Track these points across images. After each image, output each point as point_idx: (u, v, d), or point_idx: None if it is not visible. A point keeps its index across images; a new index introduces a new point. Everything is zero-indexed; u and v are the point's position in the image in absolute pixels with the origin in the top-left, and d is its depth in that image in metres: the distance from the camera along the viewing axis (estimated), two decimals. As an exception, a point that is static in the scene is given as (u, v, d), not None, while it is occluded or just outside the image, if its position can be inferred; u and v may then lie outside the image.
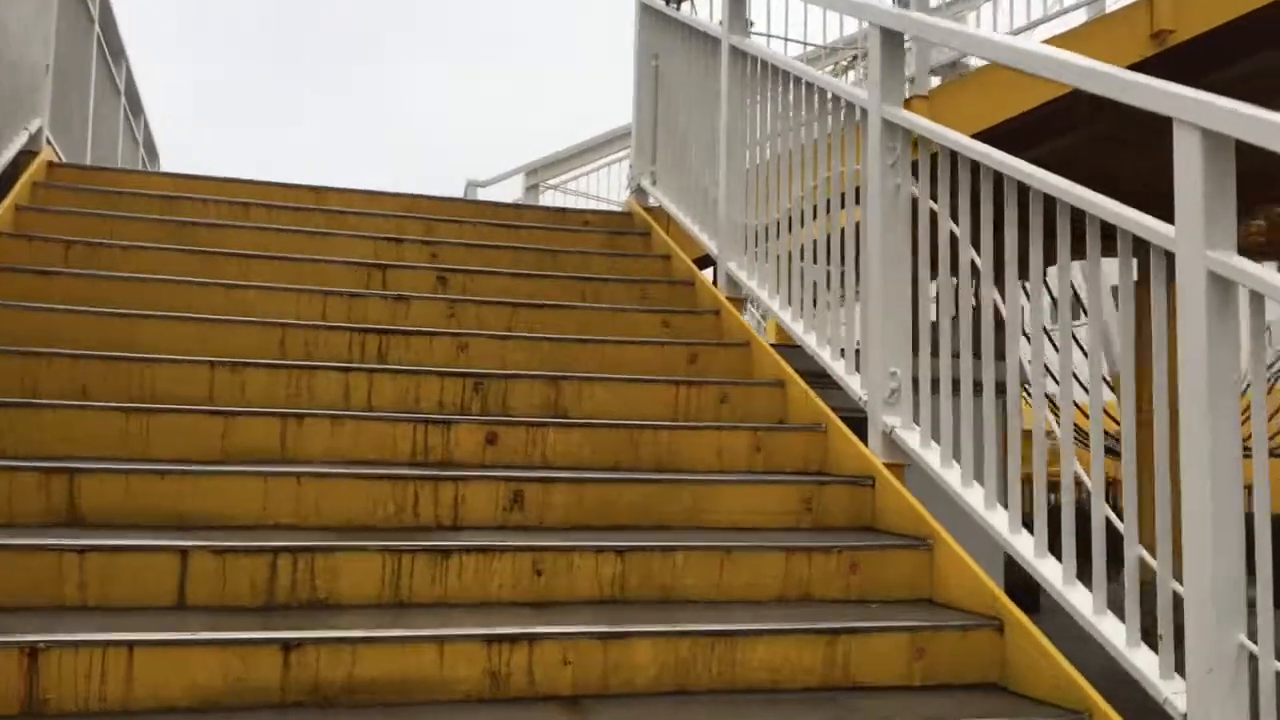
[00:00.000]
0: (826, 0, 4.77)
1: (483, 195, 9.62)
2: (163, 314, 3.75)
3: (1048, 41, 5.73)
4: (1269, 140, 2.13)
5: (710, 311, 4.59)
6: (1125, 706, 2.46)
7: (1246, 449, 2.25)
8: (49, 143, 5.22)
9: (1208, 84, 2.43)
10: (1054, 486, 2.80)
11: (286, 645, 2.35)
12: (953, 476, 3.10)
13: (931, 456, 3.19)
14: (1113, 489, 8.10)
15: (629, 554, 2.87)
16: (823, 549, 3.02)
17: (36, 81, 5.09)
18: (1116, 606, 2.51)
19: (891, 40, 3.50)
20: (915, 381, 3.33)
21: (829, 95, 3.91)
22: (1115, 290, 2.56)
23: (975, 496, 3.00)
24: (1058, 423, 2.77)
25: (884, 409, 3.41)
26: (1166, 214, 2.35)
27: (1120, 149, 6.03)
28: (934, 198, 3.25)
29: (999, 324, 2.96)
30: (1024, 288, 3.19)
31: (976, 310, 3.01)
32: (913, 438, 3.31)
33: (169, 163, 10.70)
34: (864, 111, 3.60)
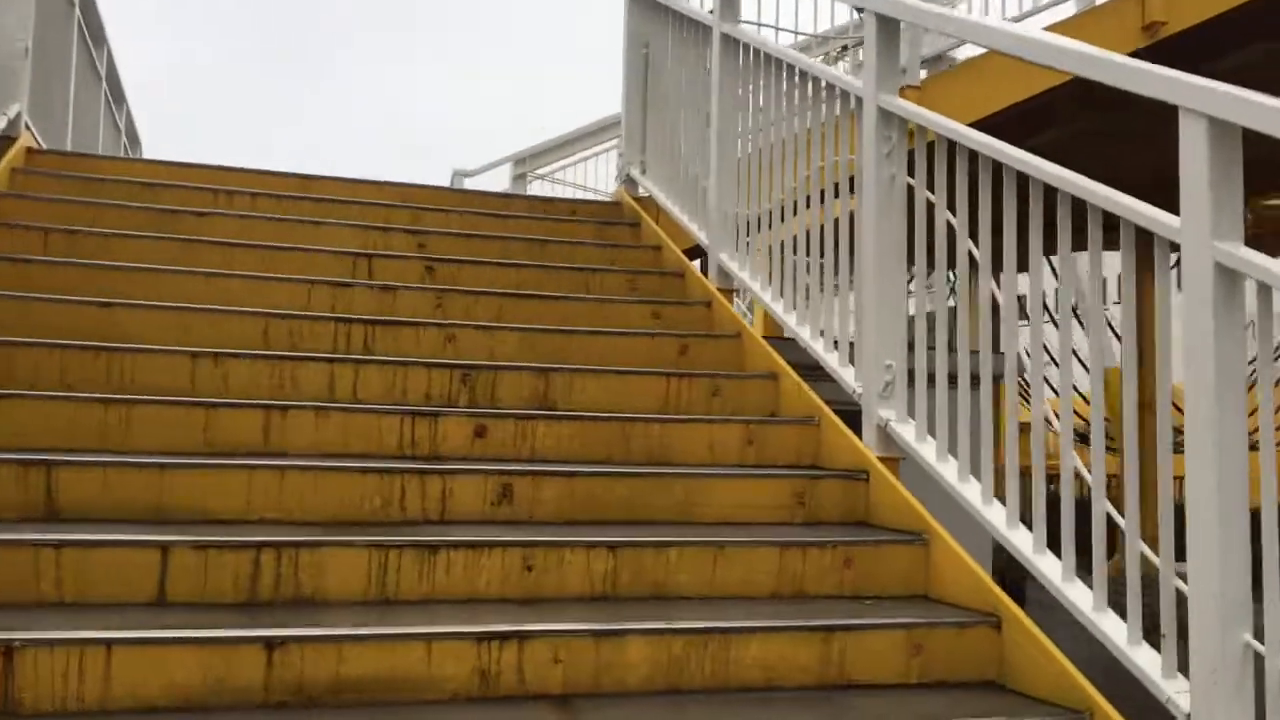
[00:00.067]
0: (819, -12, 4.71)
1: (470, 185, 9.54)
2: (144, 303, 3.67)
3: (1039, 32, 5.69)
4: (1278, 128, 2.08)
5: (701, 303, 4.54)
6: (1116, 699, 2.43)
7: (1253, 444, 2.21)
8: (28, 128, 5.13)
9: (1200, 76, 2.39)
10: (1050, 480, 2.76)
11: (270, 643, 2.29)
12: (949, 471, 3.05)
13: (927, 450, 3.14)
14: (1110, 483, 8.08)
15: (621, 549, 2.81)
16: (817, 544, 2.97)
17: (14, 65, 4.99)
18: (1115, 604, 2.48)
19: (887, 27, 3.45)
20: (911, 374, 3.28)
21: (823, 83, 3.86)
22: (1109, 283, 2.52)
23: (972, 491, 2.96)
24: (1056, 417, 2.72)
25: (878, 402, 3.36)
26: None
27: (1107, 143, 6.00)
28: (930, 188, 3.20)
29: (995, 315, 2.91)
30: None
31: (973, 302, 2.97)
32: (908, 431, 3.26)
33: (153, 154, 10.59)
34: (859, 100, 3.54)
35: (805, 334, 3.88)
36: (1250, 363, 2.27)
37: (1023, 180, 2.78)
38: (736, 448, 3.54)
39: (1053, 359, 3.79)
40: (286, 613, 2.51)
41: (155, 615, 2.43)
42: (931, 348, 3.17)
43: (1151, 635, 2.40)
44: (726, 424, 3.60)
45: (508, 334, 3.99)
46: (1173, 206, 2.35)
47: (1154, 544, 2.36)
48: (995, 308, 3.09)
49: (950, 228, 3.10)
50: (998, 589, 2.77)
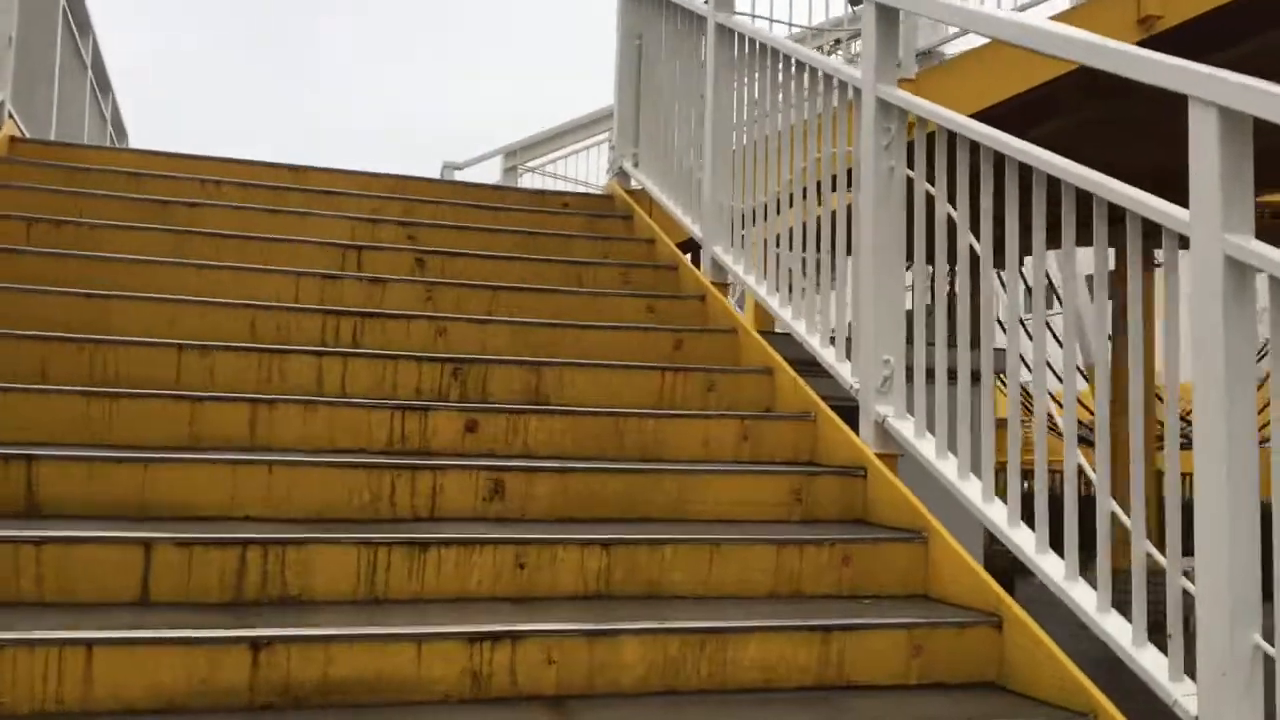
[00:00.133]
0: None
1: (459, 178, 9.46)
2: (129, 294, 3.61)
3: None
4: (1292, 118, 2.04)
5: (695, 297, 4.48)
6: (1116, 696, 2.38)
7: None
8: (11, 117, 5.05)
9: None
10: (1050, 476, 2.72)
11: (256, 644, 2.23)
12: (949, 468, 3.00)
13: (926, 447, 3.09)
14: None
15: (615, 547, 2.76)
16: (815, 542, 2.92)
17: (-2, 53, 4.92)
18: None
19: (887, 17, 3.39)
20: (910, 370, 3.23)
21: (820, 74, 3.80)
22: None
23: (972, 489, 2.91)
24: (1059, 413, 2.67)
25: (876, 398, 3.31)
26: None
27: (1106, 136, 5.95)
28: (930, 180, 3.15)
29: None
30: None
31: (974, 297, 2.92)
32: (906, 427, 3.21)
33: (139, 142, 10.48)
34: (857, 91, 3.49)
35: (801, 329, 3.82)
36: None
37: (1025, 173, 2.73)
38: (732, 443, 3.49)
39: (1053, 370, 3.73)
40: (273, 612, 2.45)
41: (138, 614, 2.37)
42: (931, 343, 3.13)
43: (1155, 635, 2.36)
44: (721, 419, 3.55)
45: (499, 327, 3.93)
46: (1174, 199, 2.31)
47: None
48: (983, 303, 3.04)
49: (950, 221, 3.05)
50: (999, 588, 2.72)
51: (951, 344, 3.06)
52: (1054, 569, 2.59)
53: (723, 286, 4.56)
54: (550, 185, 9.34)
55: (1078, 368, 2.97)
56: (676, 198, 5.06)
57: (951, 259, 3.06)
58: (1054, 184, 2.63)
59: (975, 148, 2.92)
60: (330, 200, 4.86)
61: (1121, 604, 2.46)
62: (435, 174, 8.92)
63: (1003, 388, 7.46)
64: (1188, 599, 2.24)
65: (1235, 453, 2.12)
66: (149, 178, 4.72)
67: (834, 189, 3.68)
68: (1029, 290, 2.97)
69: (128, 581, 2.45)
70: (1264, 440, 2.15)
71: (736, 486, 3.24)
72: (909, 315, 3.40)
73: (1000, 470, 2.89)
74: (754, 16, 5.86)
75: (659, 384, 3.75)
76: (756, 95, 4.30)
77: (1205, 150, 2.18)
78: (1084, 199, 2.53)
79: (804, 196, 3.85)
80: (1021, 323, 3.39)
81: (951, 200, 3.02)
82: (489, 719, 2.26)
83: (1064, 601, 2.52)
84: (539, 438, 3.33)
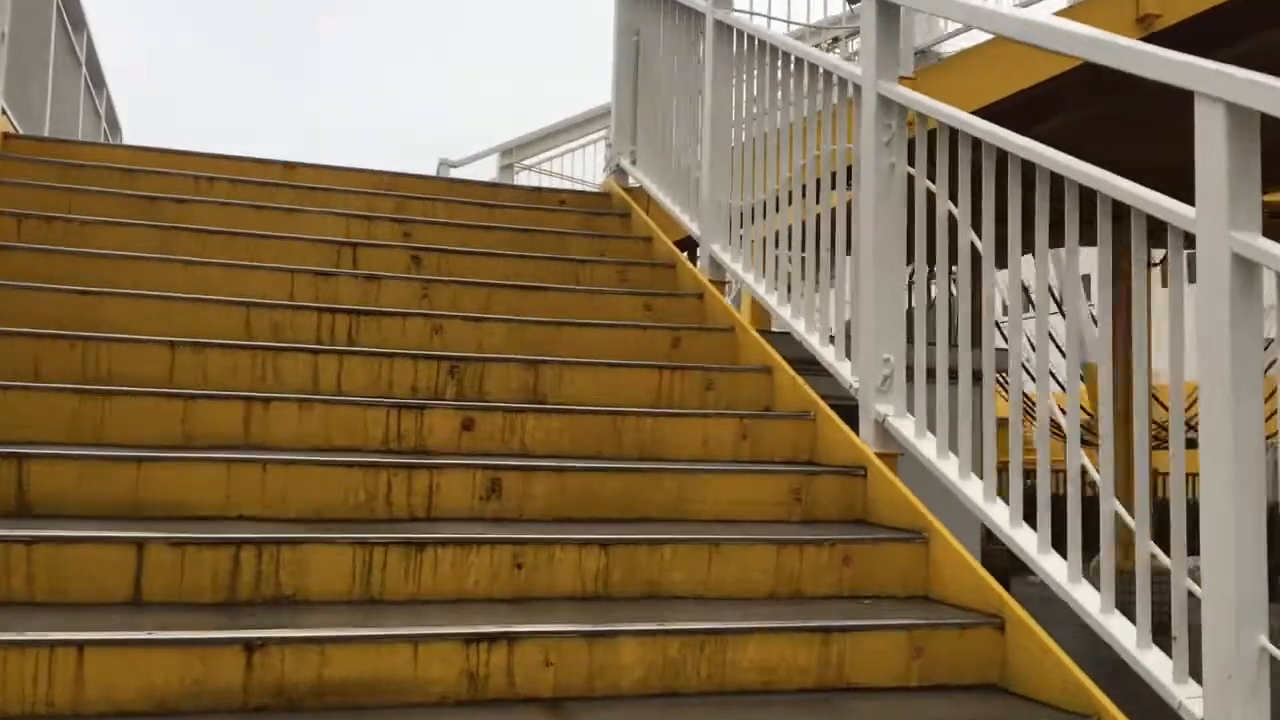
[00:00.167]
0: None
1: (455, 176, 9.43)
2: (121, 291, 3.57)
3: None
4: (1301, 114, 2.01)
5: (693, 295, 4.45)
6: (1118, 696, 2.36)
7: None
8: (4, 113, 5.01)
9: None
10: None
11: (250, 645, 2.19)
12: (950, 467, 2.97)
13: (927, 446, 3.07)
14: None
15: (613, 547, 2.73)
16: (815, 542, 2.89)
17: (-10, 49, 4.88)
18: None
19: (887, 13, 3.37)
20: (910, 369, 3.20)
21: (820, 70, 3.77)
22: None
23: (974, 488, 2.88)
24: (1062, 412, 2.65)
25: (876, 396, 3.28)
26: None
27: (1107, 133, 5.93)
28: (931, 177, 3.12)
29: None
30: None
31: (975, 295, 2.89)
32: (907, 427, 3.18)
33: (134, 140, 10.43)
34: (857, 88, 3.46)
35: (800, 327, 3.79)
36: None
37: (1027, 171, 2.70)
38: (731, 443, 3.46)
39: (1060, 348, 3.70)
40: (267, 613, 2.42)
41: (130, 615, 2.34)
42: (932, 343, 3.10)
43: (1158, 636, 2.33)
44: (720, 418, 3.52)
45: (496, 325, 3.90)
46: (1175, 196, 2.29)
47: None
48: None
49: (950, 219, 3.02)
50: (1001, 589, 2.70)
51: (953, 343, 3.03)
52: (1056, 570, 2.57)
53: (721, 285, 4.53)
54: (546, 183, 9.31)
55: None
56: (674, 195, 5.03)
57: (953, 257, 3.03)
58: (1057, 181, 2.60)
59: (977, 145, 2.90)
60: (324, 197, 4.82)
61: (1124, 605, 2.44)
62: (432, 173, 8.88)
63: (1004, 392, 7.44)
64: (1192, 600, 2.22)
65: (1241, 452, 2.09)
66: (142, 174, 4.68)
67: (833, 187, 3.65)
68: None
69: (120, 581, 2.42)
70: (1271, 435, 2.13)
71: (736, 486, 3.21)
72: (909, 314, 3.38)
73: (1001, 470, 2.86)
74: (752, 14, 5.83)
75: (657, 382, 3.73)
76: (755, 92, 4.26)
77: (1212, 146, 2.16)
78: (1087, 196, 2.51)
79: (803, 195, 3.82)
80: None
81: (953, 198, 2.99)
82: (486, 721, 2.24)
83: (1067, 603, 2.50)
84: (536, 436, 3.30)
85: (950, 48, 7.26)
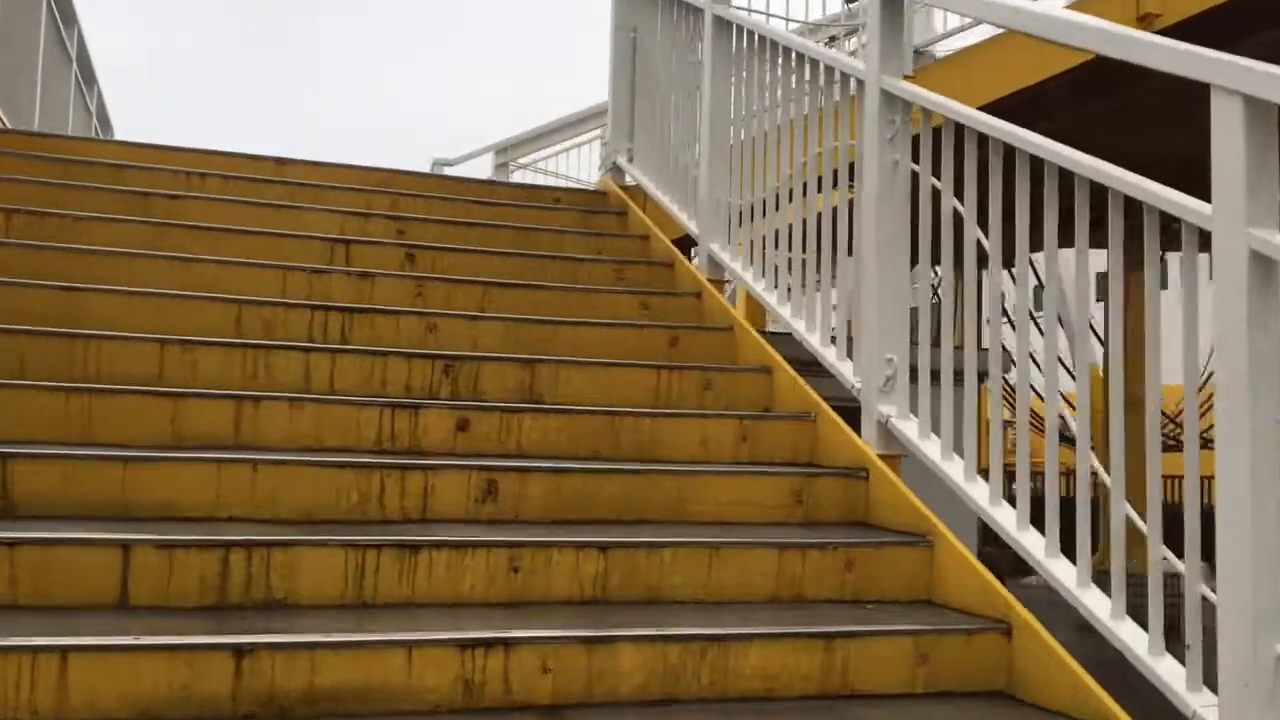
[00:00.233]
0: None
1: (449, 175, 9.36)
2: (110, 288, 3.50)
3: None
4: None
5: (691, 294, 4.40)
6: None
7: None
8: (-8, 107, 4.94)
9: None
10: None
11: (239, 650, 2.13)
12: (954, 470, 2.92)
13: (931, 448, 3.01)
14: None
15: (612, 550, 2.67)
16: (817, 546, 2.84)
17: (-21, 42, 4.81)
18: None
19: (892, 7, 3.31)
20: (914, 370, 3.15)
21: (821, 66, 3.72)
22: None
23: (979, 491, 2.82)
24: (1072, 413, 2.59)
25: (879, 397, 3.22)
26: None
27: (1119, 125, 5.88)
28: (935, 175, 3.07)
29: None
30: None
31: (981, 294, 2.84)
32: (910, 428, 3.12)
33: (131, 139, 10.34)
34: (860, 83, 3.41)
35: (800, 326, 3.74)
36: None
37: (1035, 168, 2.65)
38: (730, 444, 3.40)
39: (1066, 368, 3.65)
40: (257, 617, 2.36)
41: (116, 619, 2.28)
42: (936, 344, 3.05)
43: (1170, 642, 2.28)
44: (720, 419, 3.46)
45: (491, 324, 3.84)
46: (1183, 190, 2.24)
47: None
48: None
49: (955, 217, 2.97)
50: (1007, 594, 2.65)
51: (958, 345, 2.98)
52: (1065, 574, 2.52)
53: (719, 284, 4.47)
54: (541, 182, 9.24)
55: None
56: (672, 193, 4.97)
57: (957, 256, 2.98)
58: (1066, 178, 2.55)
59: (983, 141, 2.84)
60: (317, 193, 4.76)
61: (1129, 604, 2.38)
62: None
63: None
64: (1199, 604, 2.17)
65: (1259, 452, 2.04)
66: (132, 170, 4.61)
67: (835, 185, 3.60)
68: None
69: (106, 585, 2.36)
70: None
71: (736, 488, 3.15)
72: (913, 313, 3.32)
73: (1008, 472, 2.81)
74: (750, 11, 5.77)
75: (655, 382, 3.67)
76: (756, 88, 4.21)
77: (1229, 141, 2.11)
78: (1098, 193, 2.45)
79: (804, 193, 3.76)
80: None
81: (958, 195, 2.94)
82: (482, 729, 2.18)
83: (1076, 608, 2.44)
84: (533, 437, 3.24)
85: (944, 49, 7.22)
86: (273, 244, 4.13)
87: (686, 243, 5.01)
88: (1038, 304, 3.70)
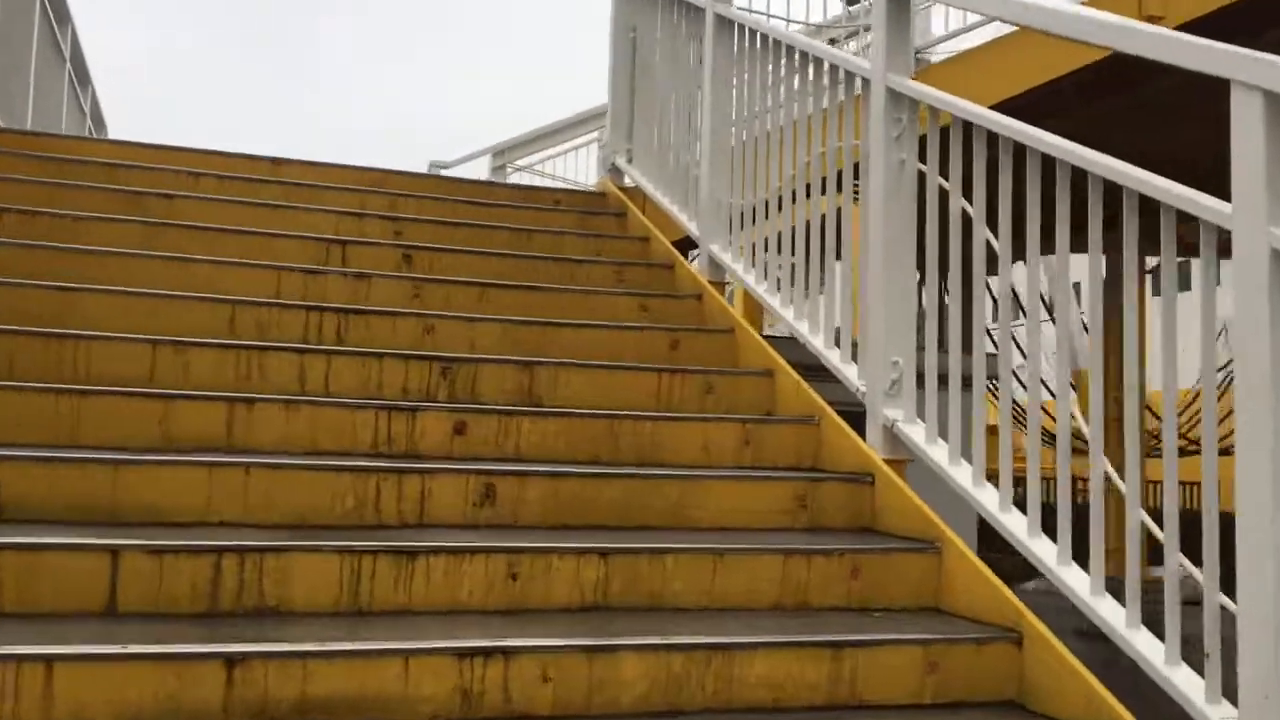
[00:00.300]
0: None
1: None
2: (101, 288, 3.44)
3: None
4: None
5: (691, 296, 4.34)
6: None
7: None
8: (-17, 106, 4.88)
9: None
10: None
11: (230, 659, 2.07)
12: (963, 475, 2.86)
13: (939, 453, 2.95)
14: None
15: (613, 556, 2.61)
16: (823, 552, 2.77)
17: (-30, 39, 4.74)
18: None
19: (898, 4, 3.26)
20: (921, 375, 3.09)
21: (825, 65, 3.66)
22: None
23: (989, 497, 2.76)
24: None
25: (885, 401, 3.17)
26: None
27: (1135, 122, 5.83)
28: (941, 174, 3.01)
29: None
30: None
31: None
32: (917, 432, 3.06)
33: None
34: (865, 82, 3.35)
35: (804, 329, 3.68)
36: None
37: (1046, 167, 2.59)
38: (733, 448, 3.34)
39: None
40: (249, 624, 2.29)
41: (104, 627, 2.22)
42: (944, 350, 2.99)
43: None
44: (721, 422, 3.40)
45: (489, 325, 3.78)
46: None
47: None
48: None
49: (965, 216, 2.91)
50: (1018, 601, 2.59)
51: (966, 349, 2.92)
52: (1078, 582, 2.46)
53: (720, 286, 4.42)
54: (541, 184, 9.19)
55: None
56: (672, 195, 4.91)
57: (965, 257, 2.92)
58: (1078, 178, 2.49)
59: (993, 140, 2.79)
60: (313, 194, 4.69)
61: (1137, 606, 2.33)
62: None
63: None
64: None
65: (1281, 458, 1.98)
66: (125, 169, 4.55)
67: (839, 186, 3.54)
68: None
69: (94, 591, 2.29)
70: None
71: (738, 493, 3.09)
72: (920, 315, 3.26)
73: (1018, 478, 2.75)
74: (751, 12, 5.72)
75: (655, 385, 3.61)
76: (758, 88, 4.15)
77: (1249, 138, 2.05)
78: (1112, 192, 2.40)
79: (807, 193, 3.71)
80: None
81: (967, 195, 2.88)
82: (480, 741, 2.12)
83: (1090, 618, 2.38)
84: (531, 440, 3.18)
85: (940, 54, 7.18)
86: (268, 244, 4.07)
87: (685, 245, 4.96)
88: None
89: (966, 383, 2.85)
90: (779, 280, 3.89)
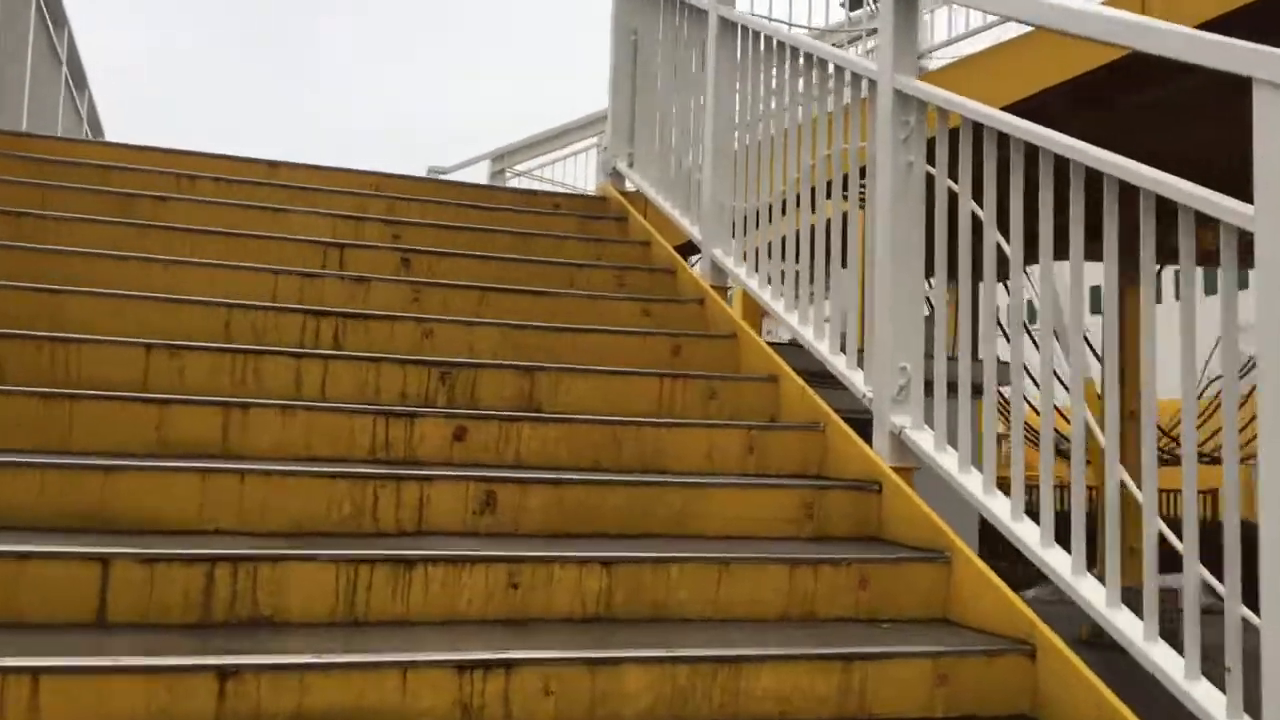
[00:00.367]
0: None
1: (445, 181, 9.22)
2: (92, 290, 3.38)
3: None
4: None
5: (694, 300, 4.28)
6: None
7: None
8: (-23, 107, 4.82)
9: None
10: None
11: (223, 672, 2.00)
12: (973, 483, 2.80)
13: (948, 461, 2.89)
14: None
15: (616, 565, 2.55)
16: (830, 562, 2.72)
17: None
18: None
19: (906, 5, 3.21)
20: (929, 381, 3.03)
21: (831, 67, 3.61)
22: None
23: (1000, 505, 2.71)
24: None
25: (892, 407, 3.11)
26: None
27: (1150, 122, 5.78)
28: (952, 177, 2.96)
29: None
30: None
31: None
32: (925, 439, 3.01)
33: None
34: (872, 84, 3.30)
35: (808, 334, 3.62)
36: None
37: (1060, 170, 2.54)
38: (737, 455, 3.28)
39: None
40: (243, 635, 2.23)
41: (94, 638, 2.16)
42: (953, 357, 2.93)
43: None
44: (725, 429, 3.34)
45: (489, 330, 3.72)
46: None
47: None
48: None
49: (975, 219, 2.85)
50: (1031, 613, 2.53)
51: (976, 357, 2.87)
52: (1093, 593, 2.40)
53: (722, 290, 4.36)
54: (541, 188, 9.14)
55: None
56: (674, 199, 4.86)
57: (974, 262, 2.87)
58: (1093, 180, 2.44)
59: (1003, 141, 2.74)
60: (311, 197, 4.64)
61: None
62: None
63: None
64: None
65: (1308, 467, 1.93)
66: (119, 171, 4.49)
67: (844, 189, 3.49)
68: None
69: (83, 601, 2.23)
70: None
71: (743, 501, 3.03)
72: (929, 320, 3.21)
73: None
74: (754, 15, 5.68)
75: (658, 391, 3.55)
76: (762, 90, 4.10)
77: (1272, 136, 2.00)
78: (1128, 194, 2.35)
79: (812, 197, 3.65)
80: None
81: (977, 198, 2.83)
82: (481, 756, 2.06)
83: (1108, 630, 2.32)
84: (532, 446, 3.12)
85: (937, 60, 7.15)
86: (264, 247, 4.01)
87: (687, 249, 4.91)
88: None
89: (977, 389, 2.80)
90: (783, 285, 3.83)
